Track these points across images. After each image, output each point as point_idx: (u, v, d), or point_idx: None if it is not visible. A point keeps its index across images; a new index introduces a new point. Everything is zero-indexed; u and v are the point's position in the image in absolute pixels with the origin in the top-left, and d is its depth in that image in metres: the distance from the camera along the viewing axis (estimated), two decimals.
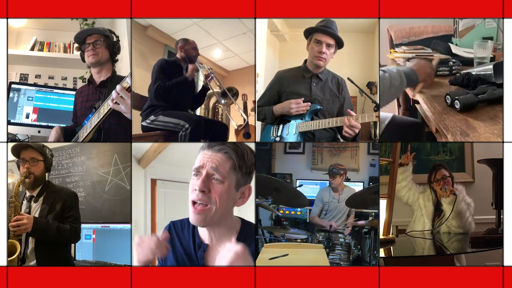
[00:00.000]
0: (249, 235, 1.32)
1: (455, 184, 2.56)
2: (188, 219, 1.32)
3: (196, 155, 1.30)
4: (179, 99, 2.57)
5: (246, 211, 2.41)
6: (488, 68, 2.06)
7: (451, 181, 2.54)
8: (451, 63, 2.39)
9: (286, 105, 2.41)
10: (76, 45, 2.50)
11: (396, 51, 2.81)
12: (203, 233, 1.36)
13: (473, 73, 2.09)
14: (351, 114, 2.22)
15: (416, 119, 2.51)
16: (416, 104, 2.31)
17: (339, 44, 2.40)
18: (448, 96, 1.92)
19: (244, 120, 2.59)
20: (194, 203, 1.24)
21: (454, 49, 2.60)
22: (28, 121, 2.96)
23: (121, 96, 2.00)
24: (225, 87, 2.75)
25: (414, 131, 2.44)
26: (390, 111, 2.52)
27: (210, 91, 2.72)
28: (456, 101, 1.86)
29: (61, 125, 2.48)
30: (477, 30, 2.52)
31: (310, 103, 2.40)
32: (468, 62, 2.39)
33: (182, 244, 1.37)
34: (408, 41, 2.96)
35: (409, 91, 2.34)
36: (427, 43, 2.83)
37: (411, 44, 2.92)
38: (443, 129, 1.80)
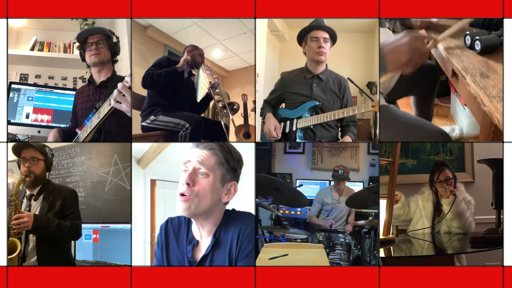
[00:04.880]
0: (231, 222, 1.37)
1: (458, 183, 2.56)
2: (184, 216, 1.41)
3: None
4: (173, 97, 2.55)
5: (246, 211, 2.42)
6: None
7: (454, 182, 2.53)
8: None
9: (269, 123, 2.48)
10: (76, 44, 2.49)
11: None
12: (195, 230, 1.41)
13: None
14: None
15: (431, 61, 2.36)
16: None
17: (333, 39, 2.46)
18: (468, 37, 1.73)
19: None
20: (181, 195, 1.32)
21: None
22: (28, 121, 2.95)
23: (122, 95, 2.00)
24: (226, 102, 2.76)
25: (430, 75, 2.36)
26: None
27: (214, 101, 2.74)
28: (477, 41, 1.68)
29: (61, 125, 2.48)
30: None
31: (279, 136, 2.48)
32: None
33: (178, 239, 1.43)
34: None
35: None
36: None
37: None
38: (461, 70, 1.61)
